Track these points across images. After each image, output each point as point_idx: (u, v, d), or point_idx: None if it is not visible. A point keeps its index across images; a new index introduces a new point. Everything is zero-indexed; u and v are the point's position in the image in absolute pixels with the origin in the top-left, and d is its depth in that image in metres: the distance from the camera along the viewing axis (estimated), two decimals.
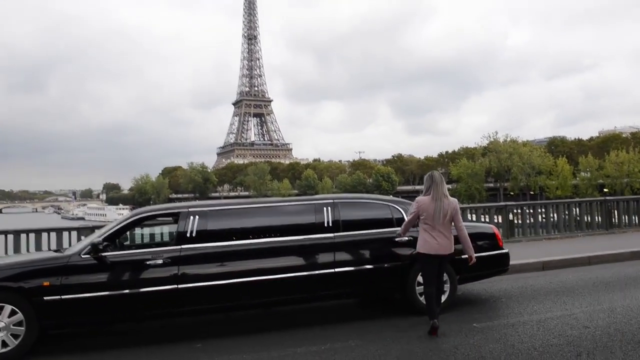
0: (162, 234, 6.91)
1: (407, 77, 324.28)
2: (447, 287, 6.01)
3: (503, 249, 6.57)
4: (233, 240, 5.57)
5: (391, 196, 6.53)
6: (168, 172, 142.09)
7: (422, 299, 5.88)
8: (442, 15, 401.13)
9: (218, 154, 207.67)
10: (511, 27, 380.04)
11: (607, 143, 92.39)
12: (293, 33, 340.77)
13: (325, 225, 5.84)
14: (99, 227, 7.55)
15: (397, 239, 5.86)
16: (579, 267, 8.89)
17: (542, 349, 4.56)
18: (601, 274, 8.06)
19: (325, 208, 5.95)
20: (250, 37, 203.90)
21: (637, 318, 5.41)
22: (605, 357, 4.32)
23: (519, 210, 11.85)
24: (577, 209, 12.42)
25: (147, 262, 5.18)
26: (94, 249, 5.07)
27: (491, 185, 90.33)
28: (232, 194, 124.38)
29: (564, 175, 78.40)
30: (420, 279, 5.90)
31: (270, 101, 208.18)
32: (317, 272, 5.62)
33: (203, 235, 5.42)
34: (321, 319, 6.02)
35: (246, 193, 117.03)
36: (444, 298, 5.92)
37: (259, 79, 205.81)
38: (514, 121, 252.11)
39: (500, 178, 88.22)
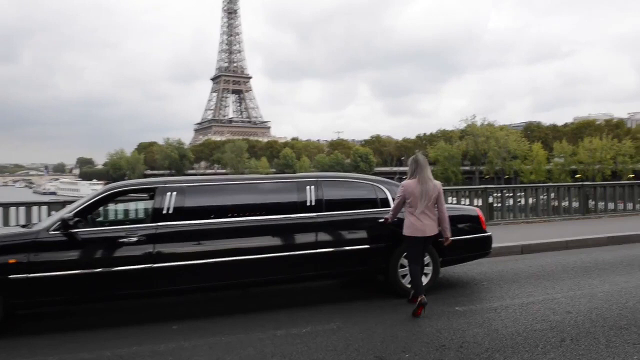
0: (137, 210, 6.65)
1: (389, 58, 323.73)
2: (429, 269, 5.94)
3: (486, 232, 6.50)
4: (212, 218, 5.34)
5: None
6: (144, 148, 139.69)
7: (404, 281, 5.81)
8: None
9: (195, 130, 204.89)
10: (493, 11, 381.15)
11: (581, 129, 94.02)
12: (274, 9, 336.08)
13: (308, 204, 5.66)
14: (70, 202, 7.23)
15: (381, 221, 5.73)
16: (557, 251, 8.95)
17: (525, 334, 4.51)
18: (580, 258, 8.10)
19: (308, 187, 5.76)
20: (231, 11, 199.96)
21: (617, 304, 5.41)
22: (588, 342, 4.29)
23: (499, 194, 11.87)
24: (555, 194, 12.50)
25: (121, 240, 4.94)
26: (64, 224, 4.81)
27: (467, 168, 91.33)
28: (208, 171, 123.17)
29: (539, 160, 79.71)
30: (403, 261, 5.81)
31: (250, 78, 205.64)
32: (298, 252, 5.46)
33: (181, 213, 5.19)
34: (302, 300, 5.88)
35: (223, 171, 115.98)
36: (426, 280, 5.86)
37: (238, 54, 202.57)
38: (492, 105, 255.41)
39: (476, 161, 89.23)
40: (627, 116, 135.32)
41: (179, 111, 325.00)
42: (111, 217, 7.27)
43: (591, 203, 12.81)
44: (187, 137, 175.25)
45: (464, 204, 11.04)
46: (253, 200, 5.69)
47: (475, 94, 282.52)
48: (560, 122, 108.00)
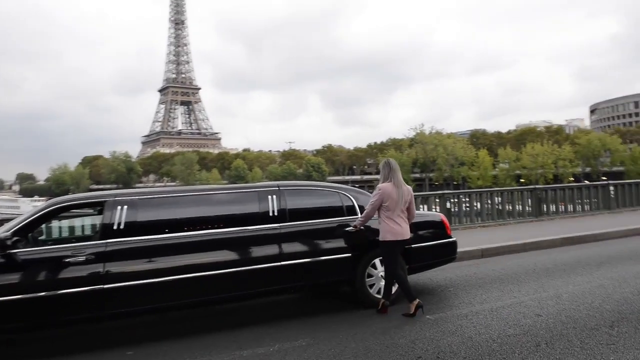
0: (83, 227, 6.13)
1: (338, 69, 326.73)
2: None
3: (452, 237, 6.42)
4: (167, 232, 4.95)
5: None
6: (88, 162, 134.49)
7: (372, 291, 5.62)
8: (372, 9, 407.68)
9: (143, 143, 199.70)
10: (438, 23, 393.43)
11: (523, 136, 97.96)
12: (222, 20, 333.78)
13: (270, 214, 5.38)
14: (8, 220, 6.62)
15: (348, 229, 5.52)
16: (516, 254, 9.03)
17: (500, 340, 4.39)
18: (539, 260, 8.18)
19: (270, 196, 5.47)
20: (178, 22, 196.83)
21: (584, 304, 5.41)
22: (563, 346, 4.22)
23: (456, 199, 11.96)
24: (509, 198, 12.72)
25: (67, 260, 4.48)
26: (1, 245, 4.32)
27: (417, 175, 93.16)
28: (158, 184, 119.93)
29: (485, 166, 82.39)
30: (370, 270, 5.62)
31: (198, 89, 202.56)
32: (261, 266, 5.15)
33: (132, 228, 4.77)
34: (265, 316, 5.55)
35: (173, 183, 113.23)
36: (394, 289, 5.69)
37: (186, 65, 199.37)
38: (439, 114, 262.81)
39: (425, 169, 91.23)
40: (565, 123, 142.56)
41: (126, 124, 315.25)
42: (55, 235, 6.70)
43: (544, 205, 13.11)
44: (134, 150, 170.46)
45: (422, 210, 11.03)
46: (211, 212, 5.33)
47: (422, 103, 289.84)
48: (503, 130, 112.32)
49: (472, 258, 8.70)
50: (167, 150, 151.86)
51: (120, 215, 4.75)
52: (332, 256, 5.45)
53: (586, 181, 62.28)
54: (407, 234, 5.31)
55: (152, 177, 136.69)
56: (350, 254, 5.51)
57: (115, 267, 4.58)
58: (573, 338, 4.40)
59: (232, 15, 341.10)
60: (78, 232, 6.26)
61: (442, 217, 6.52)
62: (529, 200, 12.92)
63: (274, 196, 5.49)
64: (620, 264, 7.47)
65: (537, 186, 13.12)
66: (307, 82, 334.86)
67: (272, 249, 5.23)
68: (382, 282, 5.62)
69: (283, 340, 4.59)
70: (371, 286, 5.61)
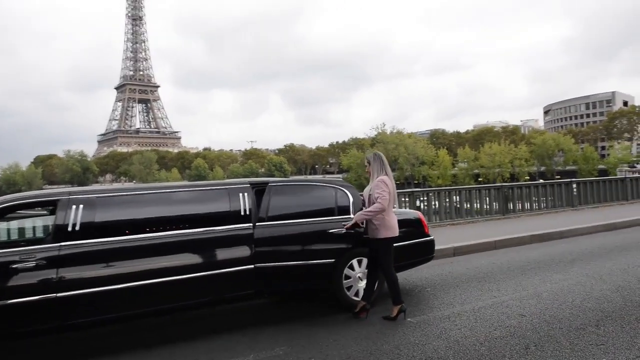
0: (34, 228, 5.58)
1: (300, 68, 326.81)
2: None
3: (429, 236, 6.21)
4: (128, 234, 4.50)
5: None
6: (41, 161, 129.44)
7: (349, 293, 5.32)
8: (334, 10, 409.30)
9: (99, 142, 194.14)
10: (398, 25, 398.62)
11: (481, 136, 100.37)
12: (182, 17, 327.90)
13: (242, 213, 5.01)
14: None
15: (330, 231, 5.11)
16: (487, 252, 8.95)
17: (488, 344, 4.18)
18: (511, 257, 8.11)
19: (241, 194, 5.10)
20: (135, 18, 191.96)
21: (565, 303, 5.29)
22: (553, 347, 4.04)
23: (425, 197, 11.84)
24: (477, 196, 12.72)
25: (15, 266, 3.99)
26: None
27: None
28: (115, 184, 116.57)
29: (445, 166, 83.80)
30: (347, 271, 5.32)
31: (157, 87, 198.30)
32: (232, 269, 4.77)
33: (89, 229, 4.31)
34: (240, 322, 5.15)
35: (131, 183, 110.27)
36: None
37: (144, 62, 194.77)
38: (400, 114, 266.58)
39: None
40: (521, 123, 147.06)
41: (81, 122, 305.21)
42: (2, 237, 6.12)
43: (511, 203, 13.18)
44: (90, 149, 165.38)
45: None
46: (177, 212, 4.89)
47: (384, 103, 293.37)
48: (462, 130, 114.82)
49: (444, 256, 8.55)
50: (124, 150, 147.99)
51: (75, 216, 4.28)
52: (310, 260, 5.06)
53: (541, 180, 64.26)
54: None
55: (109, 176, 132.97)
56: (330, 255, 5.14)
57: (69, 274, 4.11)
58: (561, 339, 4.23)
59: (192, 12, 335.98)
60: (28, 235, 5.69)
61: (419, 215, 6.30)
62: (496, 198, 12.95)
63: (245, 194, 5.12)
64: (593, 261, 7.46)
65: (504, 184, 13.18)
66: (269, 81, 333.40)
67: (244, 251, 4.86)
68: (361, 284, 5.34)
69: (259, 350, 4.24)
70: (349, 288, 5.32)
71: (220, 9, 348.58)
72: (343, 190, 5.18)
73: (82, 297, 4.13)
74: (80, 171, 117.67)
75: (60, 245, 4.16)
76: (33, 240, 5.13)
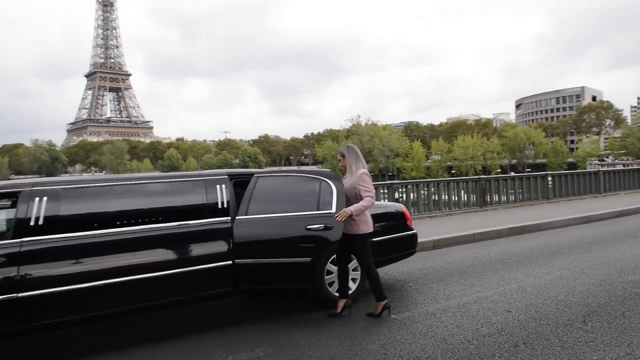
0: None
1: (274, 59, 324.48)
2: (357, 274, 5.32)
3: (412, 230, 6.06)
4: (96, 228, 4.19)
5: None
6: (7, 150, 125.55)
7: (331, 289, 5.11)
8: (309, 1, 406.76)
9: (69, 131, 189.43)
10: (373, 17, 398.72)
11: (454, 129, 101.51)
12: (155, 3, 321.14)
13: (220, 206, 4.74)
14: None
15: (308, 227, 4.70)
16: (467, 245, 8.88)
17: (476, 342, 4.04)
18: (491, 251, 8.04)
19: (219, 186, 4.83)
20: (106, 4, 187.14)
21: (550, 298, 5.20)
22: (542, 345, 3.92)
23: (404, 189, 11.73)
24: (455, 188, 12.68)
25: None
26: None
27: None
28: (85, 174, 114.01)
29: (419, 158, 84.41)
30: (329, 267, 5.11)
31: (129, 75, 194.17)
32: (209, 265, 4.51)
33: (54, 223, 3.98)
34: (217, 321, 4.89)
35: (102, 174, 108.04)
36: (354, 287, 5.25)
37: (115, 50, 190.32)
38: (375, 106, 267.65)
39: None
40: (493, 116, 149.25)
41: (50, 110, 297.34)
42: None
43: (488, 196, 13.19)
44: (59, 139, 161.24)
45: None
46: (149, 205, 4.58)
47: (358, 95, 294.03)
48: (436, 122, 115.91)
49: (424, 249, 8.42)
50: (94, 139, 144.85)
51: (38, 209, 3.94)
52: (291, 257, 4.71)
53: (512, 172, 65.31)
54: None
55: (78, 167, 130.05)
56: (312, 254, 4.76)
57: (32, 272, 3.79)
58: (550, 336, 4.12)
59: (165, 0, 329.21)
60: None
61: (403, 208, 6.13)
62: (474, 190, 12.93)
63: (223, 185, 4.85)
64: (572, 254, 7.44)
65: (481, 177, 13.17)
66: (244, 71, 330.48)
67: (221, 246, 4.61)
68: None
69: (237, 351, 4.00)
70: (330, 284, 5.11)
71: None
72: (327, 182, 4.88)
73: (45, 297, 3.81)
74: (48, 161, 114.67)
75: (22, 241, 3.83)
76: None
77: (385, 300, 4.76)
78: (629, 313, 4.64)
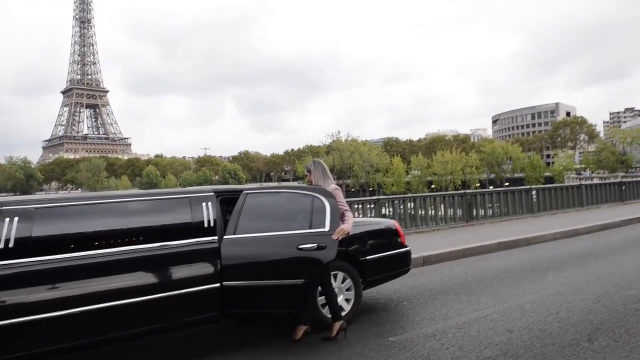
0: None
1: (254, 76, 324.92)
2: (351, 294, 5.07)
3: (406, 247, 5.84)
4: (73, 251, 3.85)
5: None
6: None
7: (324, 311, 4.85)
8: (286, 18, 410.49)
9: (44, 148, 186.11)
10: (351, 35, 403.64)
11: (433, 144, 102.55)
12: (133, 20, 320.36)
13: (206, 225, 4.45)
14: None
15: (300, 246, 4.36)
16: (457, 260, 8.71)
17: None
18: (483, 266, 7.87)
19: (204, 203, 4.55)
20: (83, 20, 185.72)
21: (550, 315, 5.02)
22: None
23: (391, 204, 11.55)
24: (441, 203, 12.56)
25: None
26: None
27: (335, 182, 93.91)
28: (61, 192, 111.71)
29: (399, 173, 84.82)
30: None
31: (106, 92, 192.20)
32: (195, 289, 4.20)
33: (26, 246, 3.66)
34: (201, 348, 4.58)
35: (78, 191, 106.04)
36: (348, 307, 5.00)
37: (92, 66, 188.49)
38: (355, 122, 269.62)
39: (342, 175, 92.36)
40: (470, 132, 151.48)
41: (25, 127, 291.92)
42: None
43: (474, 210, 13.10)
44: (34, 156, 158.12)
45: (359, 217, 10.47)
46: (130, 225, 4.25)
47: (338, 111, 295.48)
48: (415, 138, 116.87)
49: (415, 266, 8.14)
50: (71, 156, 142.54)
51: (8, 230, 3.61)
52: (288, 280, 4.36)
53: (491, 186, 65.99)
54: None
55: (54, 184, 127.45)
56: (306, 276, 4.41)
57: (2, 299, 3.45)
58: (557, 357, 3.92)
59: (143, 16, 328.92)
60: None
61: (396, 224, 5.91)
62: (460, 205, 12.83)
63: (209, 203, 4.57)
64: (565, 269, 7.31)
65: (467, 191, 13.10)
66: (224, 88, 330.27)
67: (208, 268, 4.31)
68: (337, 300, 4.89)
69: None
70: (324, 306, 4.84)
71: (172, 13, 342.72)
72: (320, 199, 4.63)
73: (17, 327, 3.46)
74: (23, 178, 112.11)
75: None
76: None
77: (342, 321, 4.57)
78: (633, 330, 4.48)
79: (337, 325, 4.54)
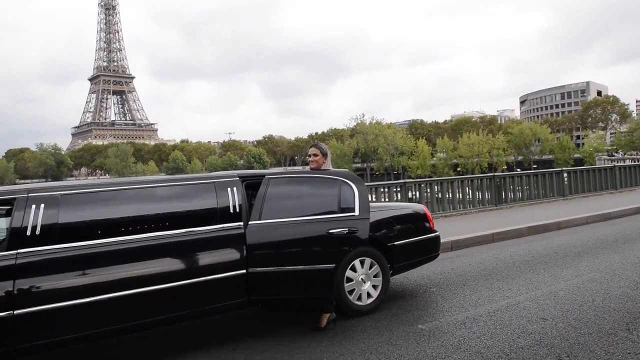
0: None
1: (277, 59, 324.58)
2: (378, 280, 4.98)
3: (435, 232, 5.71)
4: (98, 237, 3.85)
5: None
6: (13, 155, 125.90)
7: (351, 297, 4.77)
8: (309, 1, 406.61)
9: (73, 135, 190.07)
10: (375, 16, 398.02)
11: (459, 126, 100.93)
12: (157, 6, 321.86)
13: (231, 211, 4.40)
14: None
15: (331, 230, 4.38)
16: (486, 245, 8.53)
17: (515, 355, 3.69)
18: (514, 252, 7.68)
19: (230, 188, 4.49)
20: (108, 7, 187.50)
21: (586, 303, 4.84)
22: (588, 358, 3.58)
23: (417, 188, 11.37)
24: (469, 186, 12.31)
25: None
26: None
27: (359, 165, 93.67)
28: (90, 178, 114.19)
29: (424, 156, 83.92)
30: (349, 273, 4.76)
31: (132, 78, 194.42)
32: (221, 275, 4.18)
33: (52, 233, 3.66)
34: (229, 334, 4.58)
35: (107, 176, 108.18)
36: (375, 294, 4.91)
37: (118, 53, 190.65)
38: (378, 104, 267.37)
39: (367, 158, 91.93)
40: (497, 113, 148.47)
41: (54, 114, 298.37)
42: None
43: (503, 193, 12.81)
44: (64, 142, 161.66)
45: (385, 201, 10.35)
46: (155, 211, 4.23)
47: (362, 94, 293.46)
48: (440, 120, 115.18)
49: (443, 251, 7.92)
50: (99, 142, 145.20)
51: (35, 217, 3.62)
52: (312, 264, 4.36)
53: (518, 169, 64.73)
54: None
55: (84, 170, 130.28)
56: (333, 261, 4.43)
57: (28, 286, 3.48)
58: (595, 347, 3.77)
59: (167, 2, 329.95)
60: None
61: (424, 208, 5.78)
62: (488, 188, 12.56)
63: (235, 188, 4.51)
64: (599, 254, 7.07)
65: (496, 174, 12.81)
66: (247, 72, 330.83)
67: (234, 254, 4.28)
68: (364, 287, 4.82)
69: None
70: (350, 292, 4.77)
71: None
72: (348, 183, 4.56)
73: (44, 314, 3.49)
74: (54, 165, 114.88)
75: (17, 253, 3.51)
76: None
77: (331, 312, 4.50)
78: None
79: (327, 316, 4.47)
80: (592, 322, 4.33)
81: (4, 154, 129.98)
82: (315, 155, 4.89)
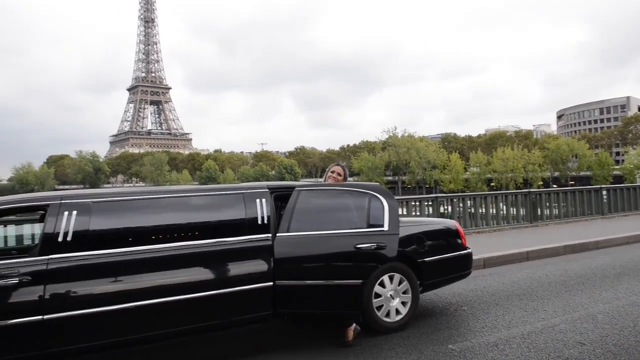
0: (18, 237, 4.92)
1: (311, 72, 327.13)
2: (407, 297, 4.86)
3: (467, 249, 5.56)
4: (128, 245, 3.88)
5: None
6: (54, 161, 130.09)
7: (379, 313, 4.67)
8: (344, 13, 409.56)
9: (111, 143, 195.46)
10: (409, 29, 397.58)
11: (493, 140, 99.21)
12: (194, 19, 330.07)
13: (260, 222, 4.39)
14: None
15: (359, 245, 4.35)
16: (520, 263, 8.28)
17: None
18: (549, 271, 7.42)
19: (259, 200, 4.48)
20: (147, 20, 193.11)
21: (626, 328, 4.62)
22: None
23: (450, 203, 11.17)
24: (504, 202, 12.02)
25: None
26: None
27: (390, 178, 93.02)
28: (126, 185, 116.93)
29: (457, 170, 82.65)
30: (377, 289, 4.67)
31: (169, 88, 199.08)
32: (248, 287, 4.15)
33: (83, 239, 3.70)
34: (254, 346, 4.55)
35: (142, 184, 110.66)
36: (405, 311, 4.79)
37: (156, 64, 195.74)
38: (411, 117, 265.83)
39: (398, 171, 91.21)
40: (533, 128, 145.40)
41: (93, 123, 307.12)
42: None
43: (539, 210, 12.46)
44: (102, 150, 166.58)
45: (416, 215, 10.20)
46: (185, 220, 4.24)
47: (395, 107, 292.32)
48: (474, 134, 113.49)
49: (475, 268, 7.72)
50: (136, 151, 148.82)
51: (67, 223, 3.68)
52: (339, 279, 4.32)
53: (555, 185, 63.05)
54: None
55: (120, 177, 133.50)
56: (361, 277, 4.40)
57: (59, 292, 3.52)
58: None
59: (204, 15, 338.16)
60: (11, 244, 5.04)
61: (456, 225, 5.65)
62: (523, 205, 12.23)
63: (263, 199, 4.49)
64: None
65: (531, 190, 12.47)
66: (280, 84, 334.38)
67: (261, 266, 4.25)
68: (393, 303, 4.71)
69: None
70: (379, 308, 4.67)
71: (231, 11, 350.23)
72: (377, 197, 4.50)
73: (71, 320, 3.53)
74: (92, 171, 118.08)
75: (49, 259, 3.57)
76: (16, 251, 4.52)
77: (355, 324, 4.44)
78: None
79: (352, 329, 4.43)
80: (633, 348, 4.11)
81: (45, 160, 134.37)
82: (339, 174, 5.03)
